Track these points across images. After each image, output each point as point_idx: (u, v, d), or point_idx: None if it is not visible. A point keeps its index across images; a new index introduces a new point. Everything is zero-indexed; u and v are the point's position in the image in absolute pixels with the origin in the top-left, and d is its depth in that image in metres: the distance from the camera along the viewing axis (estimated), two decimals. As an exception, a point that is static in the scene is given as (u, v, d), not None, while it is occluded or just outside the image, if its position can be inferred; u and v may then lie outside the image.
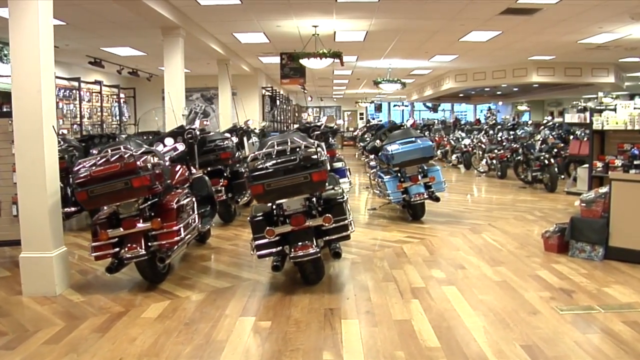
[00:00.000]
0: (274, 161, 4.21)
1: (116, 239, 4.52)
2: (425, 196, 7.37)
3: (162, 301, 4.35)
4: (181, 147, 6.01)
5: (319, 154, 4.24)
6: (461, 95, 31.02)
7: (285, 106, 26.48)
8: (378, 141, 8.18)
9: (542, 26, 10.61)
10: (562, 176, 11.06)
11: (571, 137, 11.44)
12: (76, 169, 4.36)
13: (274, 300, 4.31)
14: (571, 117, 8.68)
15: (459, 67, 18.10)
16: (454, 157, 16.25)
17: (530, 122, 20.82)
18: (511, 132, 14.69)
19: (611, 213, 5.21)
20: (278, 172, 4.15)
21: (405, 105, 39.69)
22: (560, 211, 8.01)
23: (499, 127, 16.41)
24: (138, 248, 4.45)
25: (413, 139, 7.42)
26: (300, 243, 4.31)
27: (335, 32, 10.87)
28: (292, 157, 4.19)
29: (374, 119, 35.52)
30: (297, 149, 4.26)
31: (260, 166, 4.19)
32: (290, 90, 28.73)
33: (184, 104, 8.89)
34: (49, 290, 4.51)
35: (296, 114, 32.67)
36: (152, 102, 17.85)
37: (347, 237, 4.43)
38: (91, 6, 8.04)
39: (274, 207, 4.48)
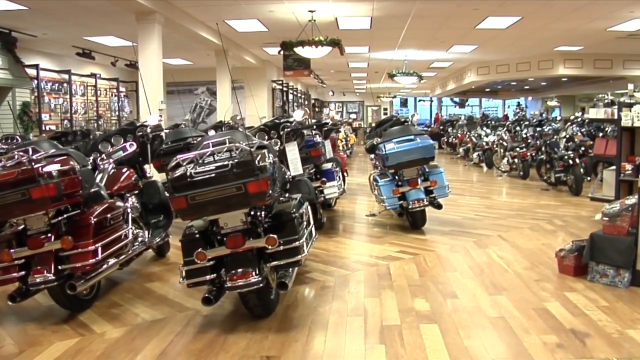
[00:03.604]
0: (202, 168, 3.32)
1: (22, 260, 3.71)
2: (426, 202, 6.40)
3: (70, 339, 3.51)
4: (131, 147, 5.18)
5: (259, 159, 3.34)
6: (487, 90, 29.80)
7: (302, 101, 25.64)
8: (377, 139, 7.21)
9: (565, 10, 9.52)
10: (589, 178, 9.94)
11: (600, 134, 10.29)
12: None
13: (205, 340, 3.43)
14: (596, 113, 7.57)
15: (481, 59, 16.99)
16: (475, 155, 15.17)
17: (559, 118, 19.61)
18: (537, 129, 13.62)
19: (641, 230, 4.20)
20: (205, 181, 3.26)
21: (431, 101, 38.60)
22: (583, 219, 6.96)
23: (526, 123, 15.34)
24: (45, 272, 3.62)
25: (412, 137, 6.44)
26: (239, 270, 3.42)
27: (336, 19, 9.93)
28: (225, 163, 3.29)
29: (397, 114, 34.63)
30: (233, 152, 3.37)
31: (181, 174, 3.29)
32: (310, 85, 27.87)
33: (162, 98, 8.06)
34: None
35: (316, 109, 31.81)
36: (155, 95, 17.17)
37: (297, 264, 3.50)
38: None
39: (211, 223, 3.59)
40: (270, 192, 3.38)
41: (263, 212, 3.67)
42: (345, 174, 8.65)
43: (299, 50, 9.17)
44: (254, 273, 3.39)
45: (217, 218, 3.47)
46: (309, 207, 4.17)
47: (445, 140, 20.43)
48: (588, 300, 3.97)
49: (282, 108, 19.04)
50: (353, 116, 34.26)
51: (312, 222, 4.13)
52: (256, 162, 3.26)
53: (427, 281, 4.56)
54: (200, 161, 3.37)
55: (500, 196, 9.68)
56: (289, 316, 3.82)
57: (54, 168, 3.62)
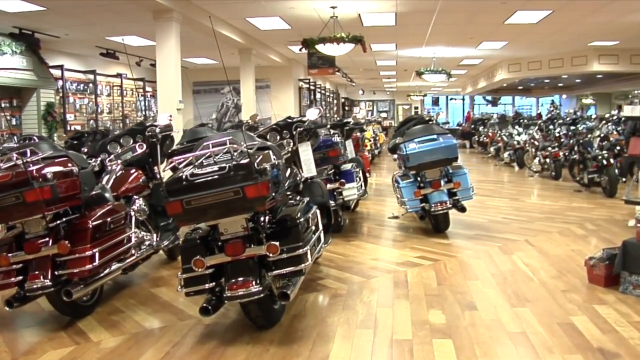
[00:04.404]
0: (201, 170, 3.13)
1: (21, 265, 3.58)
2: (449, 205, 6.10)
3: (64, 347, 3.37)
4: (141, 148, 5.04)
5: (259, 160, 3.13)
6: (520, 87, 29.10)
7: (331, 100, 25.42)
8: (399, 138, 6.94)
9: (599, 3, 9.09)
10: (624, 179, 9.49)
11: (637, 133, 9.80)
12: None
13: (202, 352, 3.24)
14: (632, 110, 7.16)
15: (512, 56, 16.50)
16: (506, 154, 14.73)
17: (594, 116, 18.96)
18: (571, 128, 13.12)
19: (679, 238, 3.87)
20: (202, 185, 3.07)
21: (463, 99, 38.01)
22: (617, 223, 6.58)
23: (560, 121, 14.83)
24: (42, 277, 3.50)
25: (434, 136, 6.15)
26: (239, 278, 3.22)
27: (359, 15, 9.67)
28: (222, 166, 3.10)
29: (429, 112, 34.13)
30: (234, 154, 3.17)
31: (176, 177, 3.11)
32: (339, 83, 27.63)
33: (180, 97, 7.92)
34: None
35: (346, 108, 31.55)
36: (183, 95, 17.12)
37: (300, 273, 3.28)
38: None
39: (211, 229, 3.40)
40: (272, 196, 3.17)
41: (267, 217, 3.46)
42: (367, 174, 8.41)
43: (320, 47, 8.94)
44: (254, 282, 3.19)
45: (216, 224, 3.28)
46: (318, 211, 3.95)
47: (476, 139, 19.98)
48: (619, 315, 3.66)
49: (309, 107, 18.81)
50: (383, 115, 33.95)
51: (320, 227, 3.91)
52: (255, 164, 3.06)
53: (446, 290, 4.30)
54: (197, 163, 3.18)
55: (530, 198, 9.30)
56: (294, 327, 3.61)
57: (49, 170, 3.49)
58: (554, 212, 7.58)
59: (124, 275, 4.60)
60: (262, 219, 3.42)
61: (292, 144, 4.89)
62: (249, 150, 3.09)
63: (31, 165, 3.49)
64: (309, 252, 3.29)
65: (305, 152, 5.02)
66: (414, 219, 7.06)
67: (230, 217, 3.17)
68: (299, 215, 3.40)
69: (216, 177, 3.05)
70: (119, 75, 13.32)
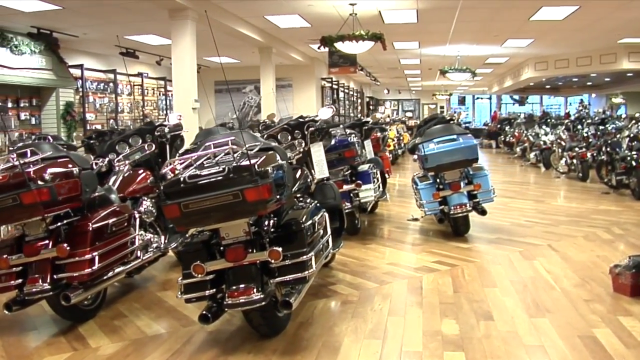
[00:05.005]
0: (199, 171, 3.00)
1: (20, 268, 3.50)
2: (469, 208, 5.88)
3: (61, 353, 3.29)
4: (150, 148, 4.95)
5: (260, 162, 2.99)
6: (548, 86, 28.54)
7: (355, 99, 25.21)
8: (418, 138, 6.73)
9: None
10: (655, 181, 9.12)
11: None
12: None
13: (201, 363, 3.12)
14: (663, 109, 6.86)
15: (538, 54, 16.11)
16: (532, 155, 14.38)
17: (624, 115, 18.44)
18: (600, 127, 12.72)
19: None
20: (200, 187, 2.93)
21: (490, 98, 37.51)
22: (647, 228, 6.31)
23: (588, 121, 14.42)
24: (40, 281, 3.41)
25: (453, 136, 5.95)
26: (241, 285, 3.08)
27: (380, 12, 9.48)
28: (222, 168, 2.96)
29: (455, 112, 33.74)
30: (232, 156, 3.03)
31: (174, 179, 2.98)
32: (364, 83, 27.41)
33: (195, 96, 7.83)
34: None
35: (371, 108, 31.30)
36: (204, 94, 17.09)
37: (304, 280, 3.12)
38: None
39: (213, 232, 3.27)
40: (275, 199, 3.02)
41: (271, 221, 3.31)
42: (387, 175, 8.19)
43: (339, 45, 8.77)
44: (256, 289, 3.05)
45: (217, 228, 3.14)
46: (327, 215, 3.79)
47: (502, 139, 19.59)
48: (646, 327, 3.44)
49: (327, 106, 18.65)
50: (409, 114, 33.60)
51: (329, 231, 3.75)
52: (256, 166, 2.91)
53: (461, 298, 4.10)
54: (196, 165, 3.05)
55: (556, 200, 9.00)
56: (299, 336, 3.45)
57: (48, 171, 3.39)
58: (580, 215, 7.30)
59: (131, 278, 4.51)
60: (266, 222, 3.27)
61: (303, 144, 4.74)
62: (249, 152, 2.94)
63: (31, 166, 3.41)
64: (313, 258, 3.13)
65: (318, 152, 4.86)
66: (434, 221, 6.85)
67: (231, 221, 3.03)
68: (304, 219, 3.25)
69: (215, 179, 2.92)
70: (139, 75, 13.32)
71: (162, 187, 2.98)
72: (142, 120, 13.27)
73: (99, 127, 11.23)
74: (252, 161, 2.92)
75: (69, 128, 10.22)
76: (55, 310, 3.67)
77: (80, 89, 10.92)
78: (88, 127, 10.78)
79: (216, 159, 3.10)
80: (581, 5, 9.13)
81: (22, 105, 9.60)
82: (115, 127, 10.73)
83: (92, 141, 7.71)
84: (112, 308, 4.07)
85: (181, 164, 3.10)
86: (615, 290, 4.10)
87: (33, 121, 9.92)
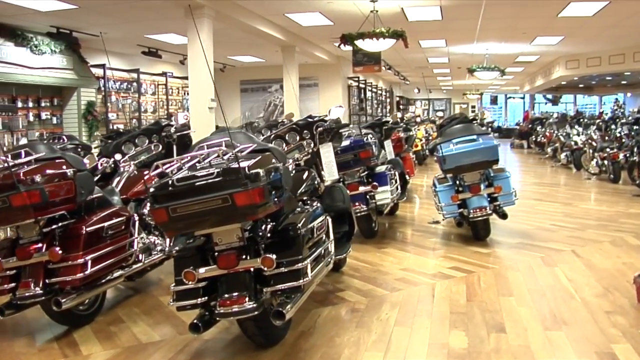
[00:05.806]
0: (189, 173, 2.86)
1: (14, 271, 3.42)
2: (489, 211, 5.63)
3: (51, 361, 3.18)
4: (157, 148, 4.86)
5: (252, 164, 2.83)
6: (581, 85, 27.77)
7: (383, 98, 24.94)
8: (439, 138, 6.50)
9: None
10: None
11: None
12: None
13: (192, 374, 2.98)
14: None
15: (569, 52, 15.60)
16: (563, 155, 13.94)
17: (660, 115, 17.78)
18: (634, 127, 12.24)
19: None
20: (189, 191, 2.78)
21: (522, 98, 36.79)
22: (679, 234, 5.96)
23: (622, 121, 13.89)
24: (32, 285, 3.31)
25: (473, 137, 5.71)
26: (233, 294, 2.93)
27: (402, 9, 9.23)
28: (212, 171, 2.81)
29: (476, 111, 33.12)
30: (222, 158, 2.88)
31: (162, 182, 2.84)
32: (393, 82, 27.10)
33: (212, 96, 7.71)
34: None
35: (401, 107, 30.96)
36: (228, 93, 17.08)
37: (299, 290, 2.94)
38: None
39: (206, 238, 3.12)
40: (268, 203, 2.85)
41: (268, 226, 3.15)
42: (407, 176, 7.95)
43: (359, 43, 8.55)
44: (248, 298, 2.89)
45: (209, 233, 2.99)
46: (329, 219, 3.61)
47: (534, 139, 19.10)
48: (671, 344, 3.17)
49: (359, 106, 18.47)
50: (440, 114, 33.13)
51: (331, 236, 3.57)
52: (246, 168, 2.75)
53: (474, 308, 3.88)
54: (186, 167, 2.91)
55: (584, 202, 8.64)
56: (298, 346, 3.29)
57: (39, 173, 3.29)
58: (609, 218, 6.97)
59: (133, 282, 4.41)
60: (262, 227, 3.11)
61: (312, 144, 4.58)
62: (238, 154, 2.78)
63: (23, 167, 3.32)
64: (309, 266, 2.96)
65: (327, 153, 4.69)
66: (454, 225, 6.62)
67: (221, 227, 2.88)
68: (302, 224, 3.08)
69: (204, 182, 2.77)
70: (164, 74, 13.32)
71: (150, 191, 2.84)
72: (166, 119, 13.29)
73: (121, 127, 11.24)
74: (243, 164, 2.77)
75: (90, 128, 10.23)
76: (50, 316, 3.58)
77: (103, 89, 10.94)
78: (110, 127, 10.79)
79: (206, 160, 2.95)
80: (611, 0, 8.74)
81: (42, 105, 9.63)
82: (137, 126, 10.73)
83: (110, 141, 7.69)
84: (111, 313, 3.97)
85: (165, 166, 2.96)
86: (639, 302, 3.84)
87: (54, 121, 9.95)
